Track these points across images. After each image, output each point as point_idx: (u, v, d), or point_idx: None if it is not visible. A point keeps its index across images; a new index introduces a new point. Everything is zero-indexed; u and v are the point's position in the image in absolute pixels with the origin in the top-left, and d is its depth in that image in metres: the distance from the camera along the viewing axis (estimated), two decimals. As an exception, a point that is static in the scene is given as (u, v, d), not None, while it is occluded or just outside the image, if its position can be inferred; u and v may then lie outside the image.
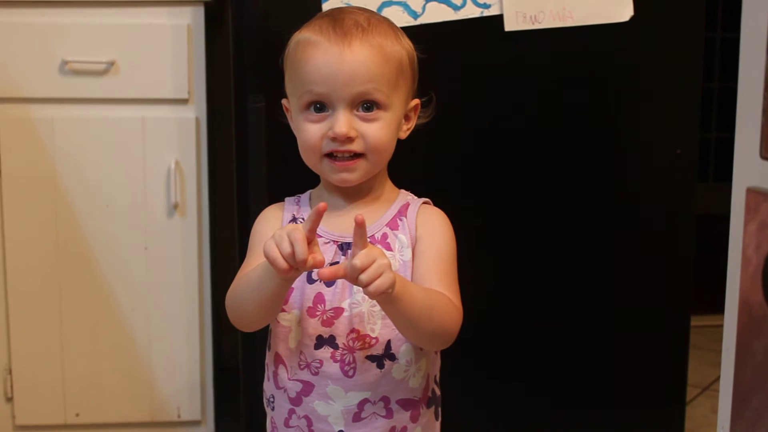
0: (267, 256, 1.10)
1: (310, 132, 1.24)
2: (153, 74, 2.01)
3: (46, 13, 1.98)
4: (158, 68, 2.01)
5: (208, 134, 2.06)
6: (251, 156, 1.79)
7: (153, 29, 2.00)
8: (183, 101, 2.03)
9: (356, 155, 1.24)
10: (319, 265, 1.10)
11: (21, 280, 2.05)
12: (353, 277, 1.08)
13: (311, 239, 1.11)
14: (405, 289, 1.14)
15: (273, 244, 1.10)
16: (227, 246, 2.04)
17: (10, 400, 2.09)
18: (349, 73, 1.21)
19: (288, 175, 1.37)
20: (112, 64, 2.00)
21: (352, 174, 1.24)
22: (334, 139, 1.22)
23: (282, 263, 1.09)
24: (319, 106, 1.23)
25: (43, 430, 2.12)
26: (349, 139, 1.22)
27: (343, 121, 1.21)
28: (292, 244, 1.08)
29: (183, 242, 2.07)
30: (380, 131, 1.23)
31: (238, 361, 1.87)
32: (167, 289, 2.08)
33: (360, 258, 1.07)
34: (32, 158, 2.02)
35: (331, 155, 1.24)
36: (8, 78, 1.99)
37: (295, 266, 1.09)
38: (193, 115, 2.04)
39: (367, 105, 1.23)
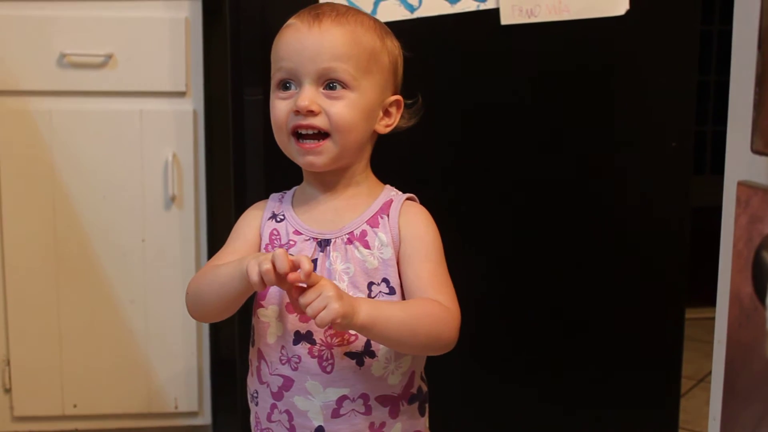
0: (246, 271, 1.13)
1: (277, 108, 1.25)
2: (151, 67, 2.02)
3: (44, 6, 1.99)
4: (156, 61, 2.02)
5: (205, 127, 2.06)
6: (248, 148, 1.79)
7: (151, 22, 2.01)
8: (180, 94, 2.04)
9: (321, 136, 1.23)
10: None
11: (19, 271, 2.06)
12: (302, 311, 1.13)
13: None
14: (377, 315, 1.15)
15: (255, 264, 1.12)
16: (224, 238, 2.03)
17: (8, 391, 2.10)
18: (315, 48, 1.21)
19: (285, 167, 1.38)
20: (110, 57, 2.00)
21: (318, 157, 1.24)
22: (297, 112, 1.22)
23: (255, 277, 1.12)
24: (288, 85, 1.24)
25: (41, 421, 2.13)
26: (311, 113, 1.21)
27: (305, 95, 1.21)
28: (273, 264, 1.11)
29: (180, 234, 2.07)
30: (344, 109, 1.22)
31: (235, 353, 1.88)
32: (164, 281, 2.08)
33: (305, 295, 1.12)
34: (30, 151, 2.03)
35: (297, 135, 1.24)
36: (6, 71, 1.99)
37: (270, 276, 1.12)
38: (190, 107, 2.04)
39: (332, 84, 1.22)
